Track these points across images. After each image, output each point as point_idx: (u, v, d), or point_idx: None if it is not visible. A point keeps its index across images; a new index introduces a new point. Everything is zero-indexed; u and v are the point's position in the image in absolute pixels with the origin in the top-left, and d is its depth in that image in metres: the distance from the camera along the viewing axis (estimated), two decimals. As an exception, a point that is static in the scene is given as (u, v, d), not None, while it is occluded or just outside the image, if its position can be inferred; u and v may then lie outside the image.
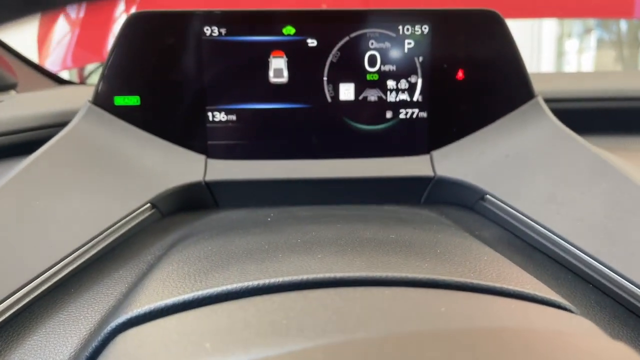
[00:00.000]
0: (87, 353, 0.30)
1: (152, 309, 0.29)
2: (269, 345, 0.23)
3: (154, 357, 0.24)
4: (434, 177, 0.55)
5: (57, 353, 0.33)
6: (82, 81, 1.40)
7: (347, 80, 0.56)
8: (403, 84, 0.56)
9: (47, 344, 0.34)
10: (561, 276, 0.43)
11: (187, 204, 0.55)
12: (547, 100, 0.57)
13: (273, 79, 0.56)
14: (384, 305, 0.26)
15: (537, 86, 0.57)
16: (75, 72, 1.49)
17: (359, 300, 0.27)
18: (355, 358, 0.21)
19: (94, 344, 0.29)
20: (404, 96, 0.57)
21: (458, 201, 0.57)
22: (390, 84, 0.56)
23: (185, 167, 0.55)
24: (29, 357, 0.33)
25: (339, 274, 0.30)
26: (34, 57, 1.19)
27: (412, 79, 0.56)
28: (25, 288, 0.37)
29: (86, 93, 0.58)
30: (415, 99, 0.57)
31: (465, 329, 0.24)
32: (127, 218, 0.48)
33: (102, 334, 0.29)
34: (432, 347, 0.21)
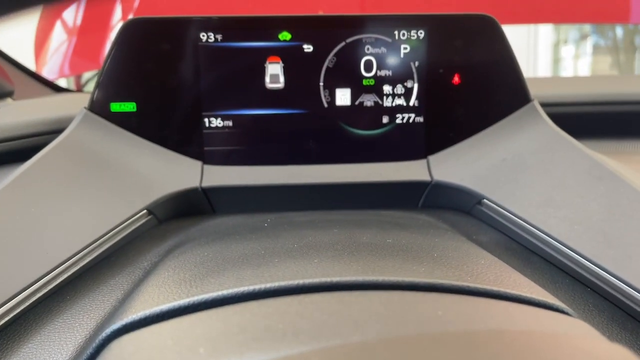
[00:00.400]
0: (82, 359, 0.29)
1: (147, 314, 0.28)
2: (264, 350, 0.22)
3: (148, 363, 0.24)
4: (431, 181, 0.55)
5: (52, 360, 0.33)
6: (80, 89, 1.40)
7: (343, 85, 0.56)
8: (399, 89, 0.57)
9: (42, 352, 0.34)
10: (559, 280, 0.43)
11: (183, 210, 0.55)
12: (544, 105, 0.57)
13: (269, 84, 0.56)
14: (380, 309, 0.26)
15: (533, 90, 0.57)
16: (72, 80, 1.49)
17: (355, 304, 0.27)
18: (351, 362, 0.21)
19: (89, 350, 0.29)
20: (400, 101, 0.57)
21: (455, 205, 0.57)
22: (387, 89, 0.56)
23: (182, 173, 0.55)
24: (24, 364, 0.33)
25: (335, 279, 0.30)
26: (31, 64, 1.19)
27: (408, 84, 0.56)
28: (21, 295, 0.37)
29: (83, 100, 0.58)
30: (411, 103, 0.57)
31: (462, 332, 0.24)
32: (124, 224, 0.48)
33: (97, 341, 0.29)
34: (428, 351, 0.21)
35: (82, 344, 0.34)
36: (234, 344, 0.23)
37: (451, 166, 0.56)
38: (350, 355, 0.21)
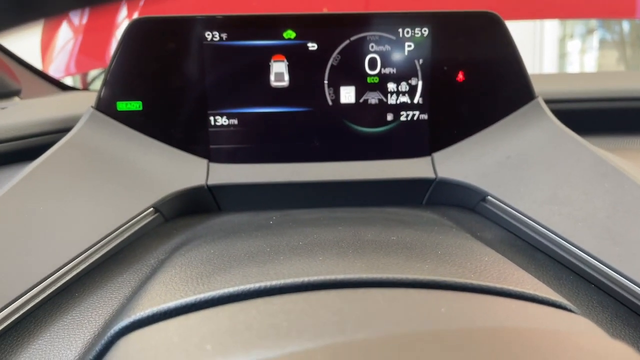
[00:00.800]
0: (90, 356, 0.30)
1: (154, 312, 0.29)
2: (269, 347, 0.23)
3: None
4: (435, 178, 0.56)
5: (61, 357, 0.33)
6: (86, 87, 1.41)
7: (347, 83, 0.56)
8: (403, 87, 0.57)
9: (51, 348, 0.34)
10: (563, 276, 0.43)
11: (189, 208, 0.55)
12: (548, 101, 0.57)
13: (274, 82, 0.56)
14: (384, 306, 0.26)
15: (537, 87, 0.57)
16: (79, 78, 1.50)
17: (360, 301, 0.27)
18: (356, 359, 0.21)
19: (98, 347, 0.30)
20: (405, 98, 0.57)
21: (460, 202, 0.57)
22: (391, 86, 0.57)
23: (188, 171, 0.55)
24: (34, 361, 0.33)
25: (339, 276, 0.30)
26: (37, 63, 1.20)
27: (413, 82, 0.57)
28: (30, 292, 0.37)
29: (89, 99, 0.58)
30: (415, 101, 0.57)
31: (465, 329, 0.24)
32: (131, 222, 0.48)
33: (106, 338, 0.29)
34: (432, 348, 0.22)
35: (90, 341, 0.35)
36: (240, 341, 0.24)
37: (455, 163, 0.56)
38: (354, 352, 0.22)
